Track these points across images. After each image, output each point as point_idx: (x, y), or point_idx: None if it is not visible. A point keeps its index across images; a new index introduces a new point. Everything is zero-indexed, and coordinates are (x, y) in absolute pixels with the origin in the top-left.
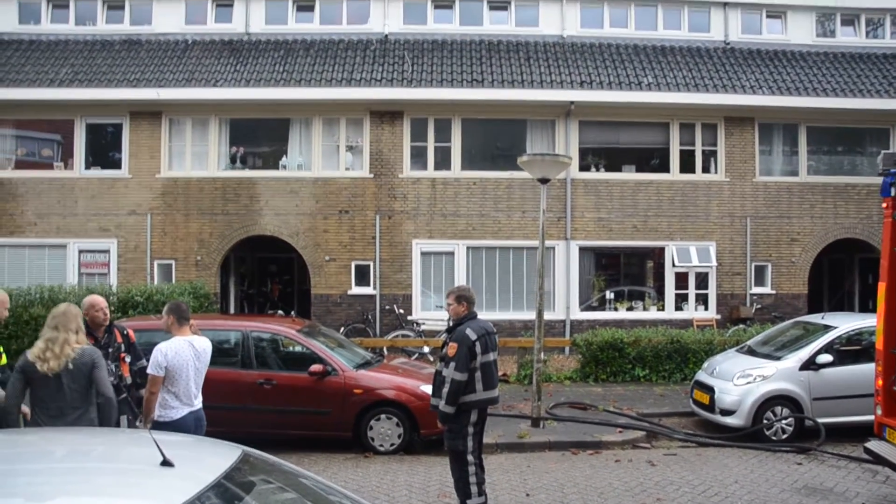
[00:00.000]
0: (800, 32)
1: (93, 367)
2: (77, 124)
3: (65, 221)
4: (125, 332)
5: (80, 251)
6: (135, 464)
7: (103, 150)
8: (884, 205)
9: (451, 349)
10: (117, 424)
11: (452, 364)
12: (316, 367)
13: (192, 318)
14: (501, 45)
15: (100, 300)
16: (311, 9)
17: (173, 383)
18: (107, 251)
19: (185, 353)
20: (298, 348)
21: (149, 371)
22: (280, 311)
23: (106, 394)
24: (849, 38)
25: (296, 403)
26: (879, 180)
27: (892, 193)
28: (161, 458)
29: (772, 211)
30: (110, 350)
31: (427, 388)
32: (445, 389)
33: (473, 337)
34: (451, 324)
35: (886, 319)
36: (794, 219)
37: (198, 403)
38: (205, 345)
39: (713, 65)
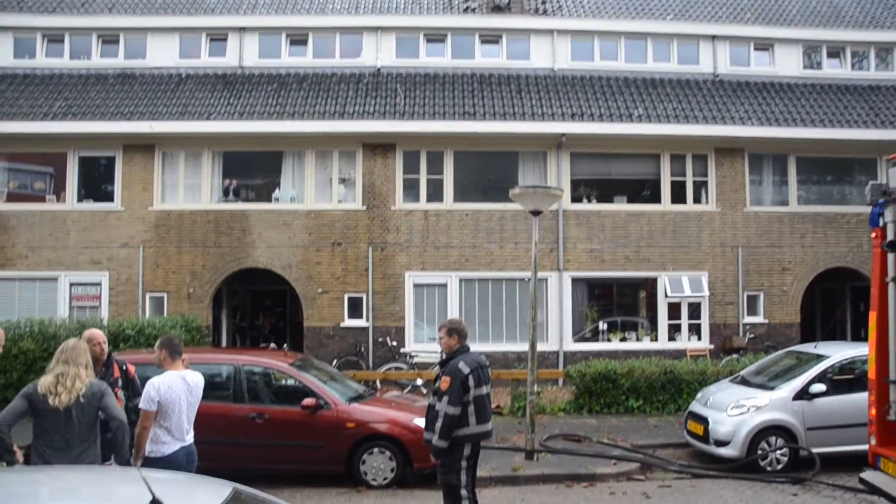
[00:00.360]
0: (787, 64)
1: (102, 397)
2: (70, 157)
3: (56, 254)
4: (124, 368)
5: (72, 284)
6: (124, 503)
7: (96, 182)
8: (873, 235)
9: (444, 383)
10: (130, 448)
11: (445, 398)
12: (308, 401)
13: (184, 352)
14: (493, 78)
15: (98, 334)
16: (304, 43)
17: (165, 418)
18: (98, 284)
19: (177, 388)
20: (291, 382)
21: (141, 406)
22: (272, 344)
23: (119, 417)
24: (835, 71)
25: (288, 437)
26: (868, 209)
27: (881, 224)
28: (151, 497)
29: (763, 240)
30: None
31: (420, 422)
32: (438, 423)
33: (466, 370)
34: (444, 357)
35: (878, 349)
36: (786, 248)
37: (189, 439)
38: (197, 379)
39: (703, 97)
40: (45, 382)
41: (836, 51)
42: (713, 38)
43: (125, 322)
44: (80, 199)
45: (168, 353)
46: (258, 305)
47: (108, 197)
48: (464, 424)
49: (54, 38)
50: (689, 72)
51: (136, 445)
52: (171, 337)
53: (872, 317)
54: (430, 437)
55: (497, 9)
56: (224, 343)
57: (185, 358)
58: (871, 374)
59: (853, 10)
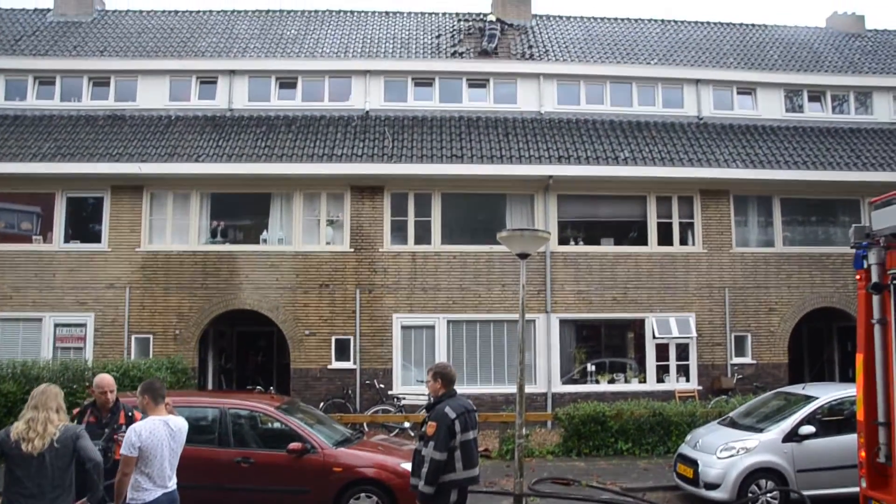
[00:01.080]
0: (770, 108)
1: (77, 439)
2: (58, 197)
3: (41, 295)
4: (130, 414)
5: (56, 325)
6: None
7: (83, 223)
8: (857, 277)
9: (430, 428)
10: (106, 489)
11: (431, 443)
12: (295, 445)
13: (168, 395)
14: (480, 121)
15: (106, 382)
16: (293, 86)
17: (147, 464)
18: (83, 325)
19: (159, 433)
20: (277, 425)
21: (121, 452)
22: (259, 387)
23: (94, 458)
24: (816, 114)
25: (274, 482)
26: (853, 250)
27: (865, 266)
28: None
29: (749, 281)
30: (106, 430)
31: (408, 466)
32: (424, 469)
33: (452, 415)
34: (431, 401)
35: (866, 390)
36: (772, 289)
37: (172, 485)
38: (180, 424)
39: (687, 139)
40: (16, 429)
41: (816, 94)
42: (697, 81)
43: (109, 364)
44: (66, 240)
45: (151, 398)
46: (245, 347)
47: (96, 237)
48: (450, 470)
49: (46, 80)
50: (674, 115)
51: (117, 493)
52: (153, 381)
53: (859, 359)
54: (416, 482)
55: (484, 53)
56: (210, 385)
57: (169, 402)
58: (860, 416)
59: (832, 56)
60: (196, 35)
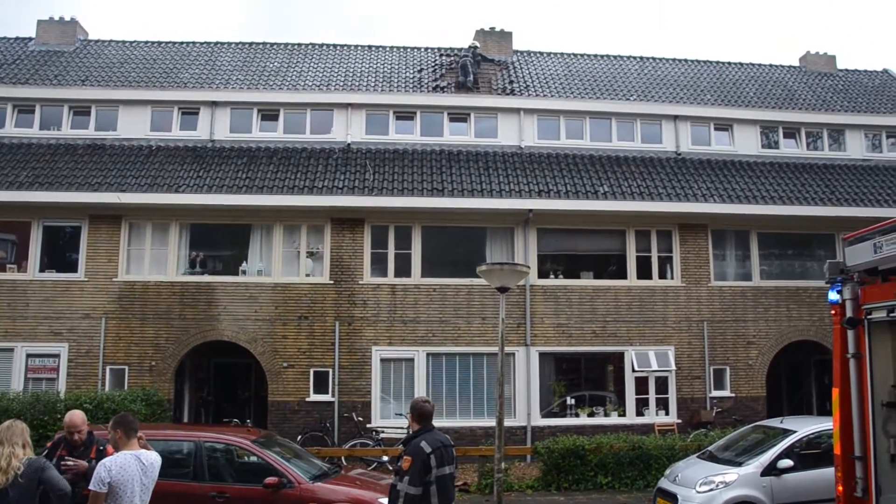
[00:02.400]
0: (746, 144)
1: (42, 472)
2: (34, 226)
3: (14, 325)
4: (102, 448)
5: (28, 355)
6: None
7: (59, 252)
8: (832, 312)
9: (406, 462)
10: None
11: (406, 478)
12: (271, 480)
13: (142, 429)
14: (461, 154)
15: (74, 422)
16: (275, 118)
17: (117, 500)
18: (57, 355)
19: (130, 469)
20: (253, 459)
21: (90, 487)
22: (235, 420)
23: (62, 488)
24: (791, 150)
25: None
26: (828, 285)
27: (840, 301)
28: None
29: (727, 315)
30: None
31: (386, 501)
32: None
33: (428, 450)
34: (409, 433)
35: (842, 425)
36: (750, 322)
37: None
38: (153, 459)
39: (666, 174)
40: None
41: (791, 131)
42: (675, 117)
43: (83, 395)
44: (42, 269)
45: (123, 433)
46: (223, 379)
47: (72, 267)
48: None
49: (25, 108)
50: (653, 150)
51: None
52: (125, 415)
53: (835, 393)
54: None
55: (465, 88)
56: (186, 417)
57: (142, 436)
58: (837, 450)
59: (806, 94)
60: (178, 66)
